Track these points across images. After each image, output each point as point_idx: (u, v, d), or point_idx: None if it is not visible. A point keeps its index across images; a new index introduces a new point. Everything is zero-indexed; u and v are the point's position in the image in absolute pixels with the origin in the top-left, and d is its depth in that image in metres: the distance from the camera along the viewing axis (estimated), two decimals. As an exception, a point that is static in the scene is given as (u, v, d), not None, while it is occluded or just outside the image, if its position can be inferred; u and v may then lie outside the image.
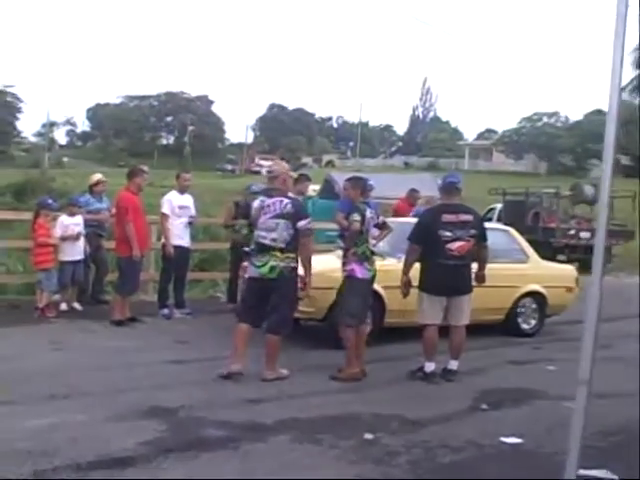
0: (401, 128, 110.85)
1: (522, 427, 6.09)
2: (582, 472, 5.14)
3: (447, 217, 7.53)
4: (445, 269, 7.45)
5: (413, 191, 13.49)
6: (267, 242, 7.09)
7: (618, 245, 22.12)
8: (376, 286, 8.14)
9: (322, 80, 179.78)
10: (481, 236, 7.73)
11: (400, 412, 6.34)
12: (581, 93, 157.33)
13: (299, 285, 7.31)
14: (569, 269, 11.20)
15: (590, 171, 66.09)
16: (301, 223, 7.12)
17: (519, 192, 24.57)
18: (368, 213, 7.50)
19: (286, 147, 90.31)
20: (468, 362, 7.93)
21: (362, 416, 6.20)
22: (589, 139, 66.70)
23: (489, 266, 8.05)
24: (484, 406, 6.71)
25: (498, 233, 10.25)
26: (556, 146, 68.10)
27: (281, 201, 7.18)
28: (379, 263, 7.93)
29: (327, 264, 7.95)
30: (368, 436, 5.63)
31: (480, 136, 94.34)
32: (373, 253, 7.55)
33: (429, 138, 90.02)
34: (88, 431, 5.38)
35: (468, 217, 7.63)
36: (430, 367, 7.56)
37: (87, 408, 5.92)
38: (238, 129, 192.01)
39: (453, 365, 7.69)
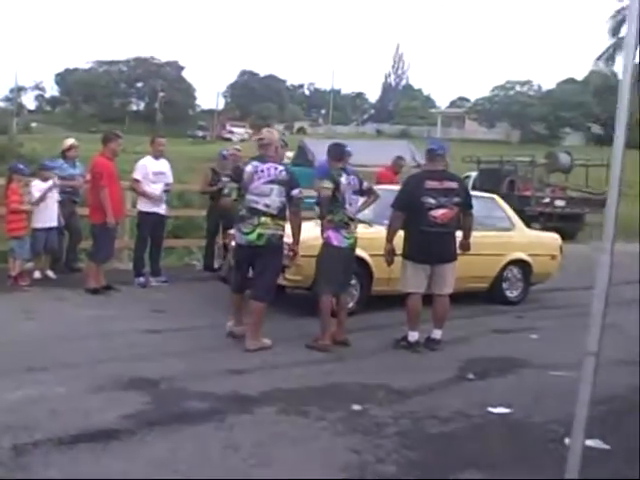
0: (373, 96, 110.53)
1: (509, 397, 6.02)
2: (570, 440, 5.10)
3: (431, 184, 7.40)
4: (428, 237, 7.34)
5: (399, 159, 13.33)
6: (259, 207, 7.02)
7: (593, 213, 22.19)
8: (363, 253, 8.02)
9: (294, 47, 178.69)
10: (466, 204, 7.61)
11: (386, 382, 6.25)
12: (554, 62, 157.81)
13: (288, 253, 7.28)
14: (553, 237, 11.23)
15: (563, 139, 66.44)
16: (295, 191, 7.09)
17: (494, 160, 24.53)
18: (344, 179, 7.33)
19: (257, 114, 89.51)
20: (451, 331, 7.86)
21: (348, 386, 6.11)
22: (561, 107, 67.03)
23: (475, 234, 7.98)
24: (470, 376, 6.65)
25: (484, 201, 10.20)
26: (529, 114, 68.22)
27: (275, 167, 7.12)
28: (366, 230, 7.81)
29: (312, 232, 7.84)
30: (355, 407, 5.54)
31: (452, 104, 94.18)
32: (352, 220, 7.39)
33: (401, 106, 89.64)
34: (68, 404, 5.21)
35: (452, 184, 7.50)
36: (414, 336, 7.48)
37: (66, 380, 5.74)
38: (209, 95, 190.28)
39: (437, 334, 7.61)
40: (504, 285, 10.22)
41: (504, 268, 10.14)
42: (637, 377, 6.58)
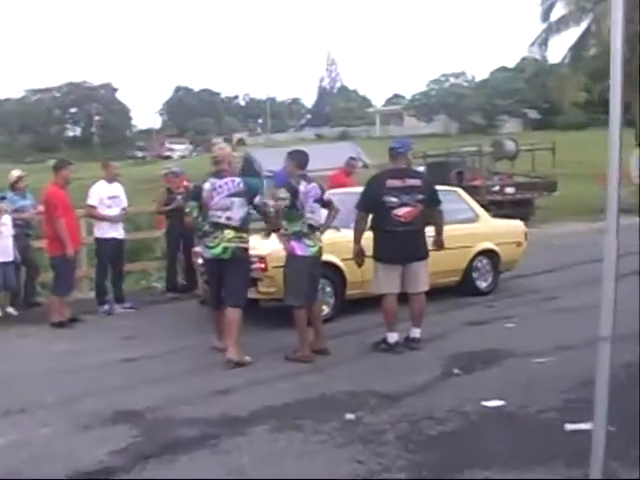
0: (309, 100, 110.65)
1: (499, 389, 5.98)
2: (570, 427, 5.07)
3: (392, 182, 7.34)
4: (395, 236, 7.28)
5: (352, 159, 13.23)
6: (222, 221, 7.13)
7: (541, 197, 22.48)
8: (334, 259, 7.94)
9: (226, 59, 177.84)
10: (433, 200, 7.56)
11: (373, 387, 6.16)
12: (485, 51, 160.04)
13: (259, 266, 7.33)
14: (518, 224, 11.30)
15: (500, 127, 67.23)
16: (256, 199, 7.19)
17: (440, 153, 24.65)
18: (302, 187, 7.18)
19: (195, 129, 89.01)
20: (427, 328, 7.76)
21: (336, 395, 6.00)
22: (496, 96, 67.94)
23: (445, 228, 7.93)
24: (456, 371, 6.59)
25: (446, 195, 10.00)
26: (465, 105, 69.01)
27: (233, 180, 7.25)
28: (335, 235, 7.73)
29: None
30: (349, 416, 5.43)
31: (389, 102, 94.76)
32: (314, 228, 7.23)
33: (338, 108, 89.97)
34: (54, 446, 5.01)
35: (415, 182, 7.44)
36: (393, 337, 7.41)
37: (47, 421, 5.53)
38: (145, 115, 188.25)
39: (416, 333, 7.55)
40: (475, 276, 10.25)
41: (473, 259, 10.17)
42: (626, 354, 6.56)
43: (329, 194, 7.41)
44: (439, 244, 7.80)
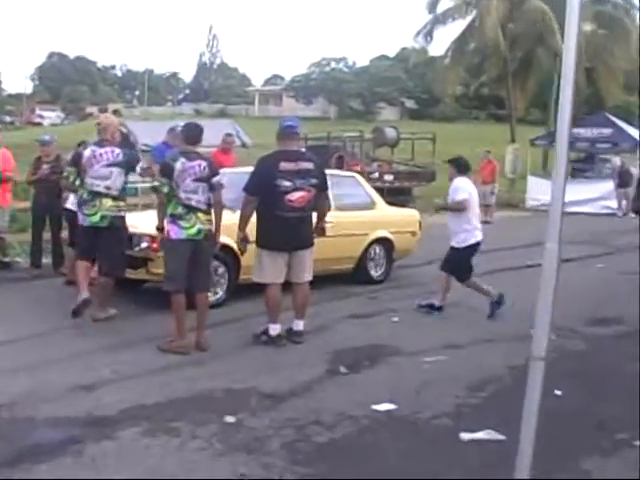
0: (188, 75, 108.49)
1: (389, 390, 5.68)
2: (466, 436, 4.81)
3: (285, 165, 6.89)
4: (285, 222, 6.85)
5: (228, 136, 12.54)
6: (100, 189, 7.36)
7: (420, 186, 22.59)
8: (228, 240, 7.45)
9: (104, 28, 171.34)
10: (322, 185, 7.17)
11: (254, 384, 5.74)
12: (367, 39, 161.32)
13: (150, 245, 7.50)
14: (413, 214, 11.23)
15: (378, 114, 67.86)
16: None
17: (321, 137, 24.38)
18: (179, 165, 6.63)
19: (68, 97, 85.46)
20: (310, 319, 7.39)
21: (215, 394, 5.54)
22: (376, 83, 68.47)
23: (338, 214, 7.66)
24: (342, 369, 6.24)
25: (344, 179, 10.10)
26: (345, 90, 69.06)
27: (112, 150, 7.42)
28: (229, 216, 7.21)
29: None
30: (229, 419, 4.98)
31: (268, 82, 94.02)
32: (190, 208, 6.65)
33: (217, 85, 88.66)
34: None
35: (308, 165, 7.03)
36: (275, 329, 7.00)
37: None
38: (16, 79, 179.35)
39: (299, 325, 7.16)
40: (369, 265, 10.08)
41: (368, 247, 9.97)
42: (516, 355, 6.40)
43: (220, 179, 6.83)
44: (321, 231, 7.42)
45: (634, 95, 47.75)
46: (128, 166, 7.58)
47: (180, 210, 6.64)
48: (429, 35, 29.40)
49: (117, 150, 7.42)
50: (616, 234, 17.51)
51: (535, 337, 3.45)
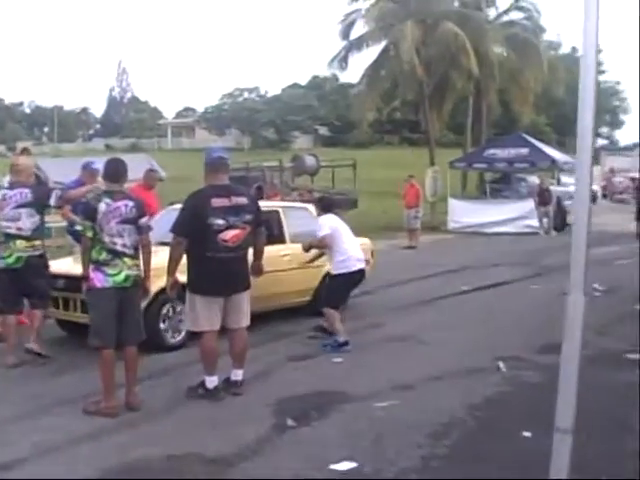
0: (99, 110, 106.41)
1: (345, 444, 5.16)
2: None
3: (217, 201, 6.31)
4: (219, 264, 6.28)
5: (151, 171, 11.91)
6: (12, 231, 7.44)
7: (343, 214, 22.26)
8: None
9: (10, 64, 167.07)
10: (257, 220, 6.64)
11: (196, 449, 5.12)
12: (279, 67, 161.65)
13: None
14: (365, 242, 11.04)
15: (292, 142, 67.83)
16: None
17: (239, 167, 23.94)
18: (103, 206, 6.04)
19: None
20: (246, 364, 6.73)
21: (153, 463, 4.90)
22: (288, 111, 68.47)
23: (293, 247, 7.75)
24: (290, 422, 5.68)
25: (298, 212, 10.02)
26: (258, 120, 68.83)
27: (21, 192, 7.51)
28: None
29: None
30: (172, 494, 4.36)
31: (180, 114, 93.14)
32: (116, 253, 6.05)
33: (129, 119, 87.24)
34: None
35: (242, 200, 6.49)
36: (212, 382, 6.38)
37: None
38: None
39: (238, 375, 6.57)
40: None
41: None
42: (471, 393, 5.98)
43: (148, 220, 6.33)
44: (258, 270, 6.90)
45: (542, 115, 49.16)
46: (38, 204, 7.58)
47: (105, 255, 6.04)
48: (344, 61, 29.26)
49: (25, 190, 7.53)
50: (542, 253, 17.58)
51: (559, 406, 2.94)
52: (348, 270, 8.29)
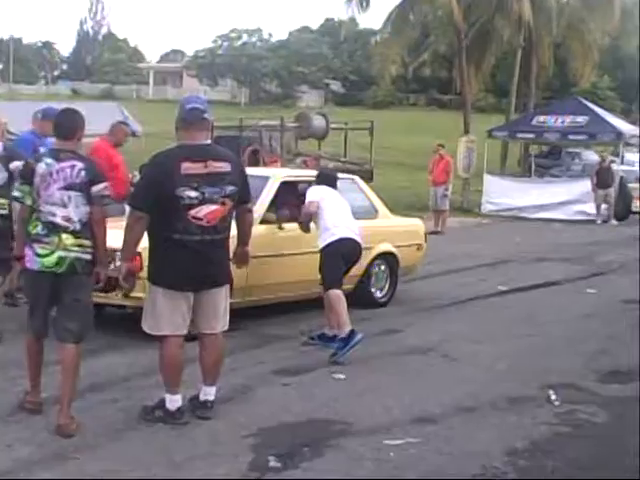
0: (66, 47, 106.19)
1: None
2: None
3: (189, 167, 5.73)
4: (190, 249, 5.76)
5: (121, 124, 11.35)
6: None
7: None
8: None
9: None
10: (243, 194, 6.09)
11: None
12: (285, 6, 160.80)
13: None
14: (418, 224, 11.47)
15: (298, 99, 67.39)
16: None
17: (230, 125, 23.56)
18: (42, 166, 5.67)
19: None
20: (221, 378, 6.25)
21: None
22: (295, 61, 68.06)
23: None
24: (273, 462, 5.14)
25: (343, 183, 9.51)
26: (258, 70, 68.50)
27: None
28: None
29: None
30: None
31: (165, 58, 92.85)
32: (55, 227, 5.69)
33: (102, 60, 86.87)
34: None
35: (223, 165, 5.89)
36: (175, 402, 5.84)
37: None
38: None
39: (209, 394, 6.05)
40: (371, 284, 10.15)
41: (371, 264, 9.99)
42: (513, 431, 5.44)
43: (103, 188, 5.81)
44: (242, 258, 6.47)
45: (604, 77, 48.50)
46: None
47: (39, 230, 5.67)
48: (364, 1, 28.65)
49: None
50: (600, 247, 17.26)
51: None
52: (335, 238, 8.08)
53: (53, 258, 5.63)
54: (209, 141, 6.07)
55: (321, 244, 8.17)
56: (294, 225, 8.70)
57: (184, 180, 5.69)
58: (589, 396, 6.88)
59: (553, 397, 6.74)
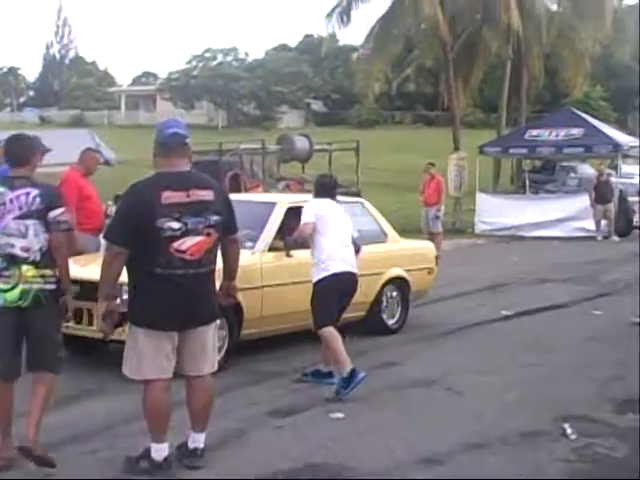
0: (32, 72, 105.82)
1: None
2: None
3: (170, 196, 5.55)
4: (173, 285, 5.57)
5: (90, 151, 11.12)
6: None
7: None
8: None
9: None
10: (229, 224, 5.91)
11: None
12: (261, 25, 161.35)
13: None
14: (428, 247, 11.86)
15: (278, 120, 67.39)
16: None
17: (209, 150, 23.56)
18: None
19: None
20: (210, 421, 5.99)
21: None
22: (274, 81, 68.07)
23: None
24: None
25: (352, 207, 10.00)
26: (235, 91, 68.40)
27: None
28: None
29: None
30: None
31: (137, 81, 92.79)
32: (13, 260, 5.67)
33: (71, 85, 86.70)
34: None
35: (207, 193, 5.72)
36: (162, 451, 5.63)
37: None
38: None
39: (198, 441, 5.84)
40: (383, 310, 10.31)
41: (382, 289, 10.20)
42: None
43: (60, 214, 5.73)
44: (229, 293, 6.24)
45: (596, 87, 48.64)
46: None
47: None
48: (345, 15, 28.60)
49: None
50: (603, 265, 17.19)
51: None
52: (329, 273, 7.83)
53: (16, 292, 5.60)
54: (190, 168, 5.90)
55: (314, 278, 7.96)
56: (303, 252, 8.54)
57: (165, 210, 5.52)
58: (606, 428, 6.71)
59: (569, 431, 6.57)
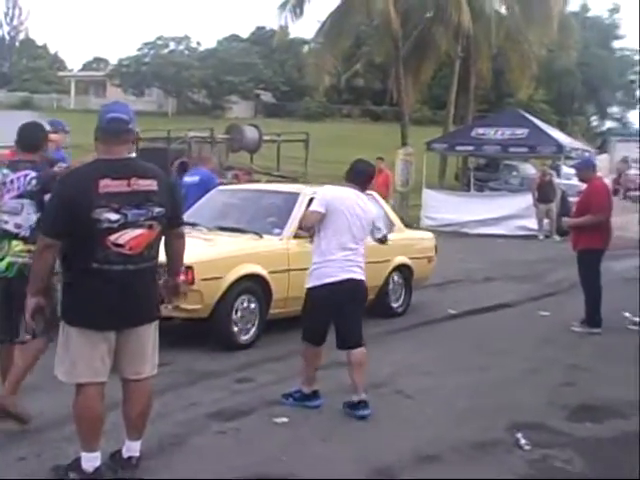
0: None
1: None
2: None
3: (109, 185, 5.00)
4: (110, 281, 5.04)
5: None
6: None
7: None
8: (259, 269, 8.98)
9: None
10: (174, 217, 5.38)
11: None
12: (214, 14, 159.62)
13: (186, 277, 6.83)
14: (430, 237, 12.41)
15: (228, 110, 66.80)
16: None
17: (157, 137, 23.08)
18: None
19: None
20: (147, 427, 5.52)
21: None
22: (225, 71, 67.42)
23: None
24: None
25: None
26: (186, 79, 67.49)
27: None
28: (256, 243, 8.29)
29: (216, 249, 9.02)
30: None
31: (88, 66, 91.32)
32: (3, 234, 6.10)
33: (20, 67, 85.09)
34: None
35: (149, 183, 5.17)
36: (92, 461, 5.09)
37: None
38: None
39: (133, 449, 5.33)
40: (389, 294, 10.90)
41: (389, 275, 10.84)
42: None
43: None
44: (174, 290, 5.70)
45: (539, 90, 48.68)
46: None
47: None
48: (298, 8, 28.11)
49: None
50: (547, 264, 16.98)
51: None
52: (320, 282, 6.86)
53: (3, 263, 6.09)
54: (133, 155, 5.35)
55: (309, 282, 7.02)
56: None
57: (102, 200, 4.96)
58: (561, 437, 6.29)
59: (522, 441, 6.15)
